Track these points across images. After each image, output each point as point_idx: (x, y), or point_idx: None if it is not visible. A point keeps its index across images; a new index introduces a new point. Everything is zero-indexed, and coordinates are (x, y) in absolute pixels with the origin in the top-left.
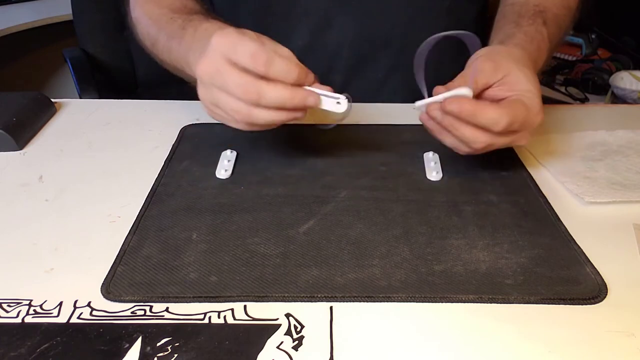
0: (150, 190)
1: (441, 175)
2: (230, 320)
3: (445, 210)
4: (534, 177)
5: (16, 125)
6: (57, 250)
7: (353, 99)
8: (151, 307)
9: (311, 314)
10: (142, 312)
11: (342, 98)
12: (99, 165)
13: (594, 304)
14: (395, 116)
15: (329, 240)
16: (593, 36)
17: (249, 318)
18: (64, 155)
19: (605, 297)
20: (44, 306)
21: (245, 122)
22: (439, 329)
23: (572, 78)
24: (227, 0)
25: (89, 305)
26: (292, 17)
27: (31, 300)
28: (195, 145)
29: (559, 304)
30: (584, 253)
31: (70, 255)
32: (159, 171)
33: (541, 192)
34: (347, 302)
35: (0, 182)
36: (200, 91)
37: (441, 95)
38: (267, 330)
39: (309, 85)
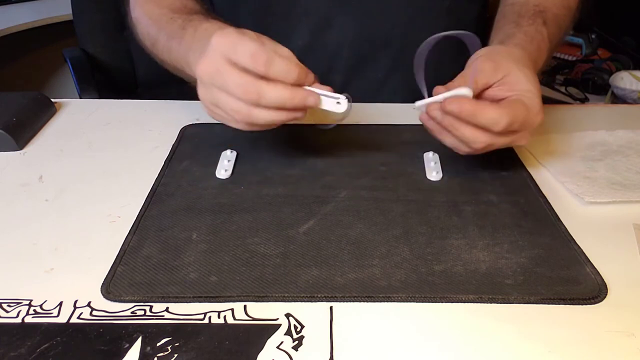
0: (150, 190)
1: (441, 175)
2: (230, 320)
3: (445, 210)
4: (534, 177)
5: (16, 125)
6: (57, 250)
7: (353, 99)
8: (151, 307)
9: (311, 314)
10: (142, 312)
11: (342, 98)
12: (99, 165)
13: (594, 304)
14: (395, 116)
15: (329, 240)
16: (593, 36)
17: (249, 318)
18: (64, 155)
19: (605, 297)
20: (44, 306)
21: (245, 122)
22: (439, 329)
23: (572, 78)
24: (227, 0)
25: (89, 305)
26: (292, 17)
27: (31, 300)
28: (195, 145)
29: (559, 304)
30: (584, 253)
31: (70, 255)
32: (159, 171)
33: (541, 192)
34: (347, 302)
35: (0, 182)
36: (200, 91)
37: (441, 95)
38: (267, 330)
39: (309, 85)
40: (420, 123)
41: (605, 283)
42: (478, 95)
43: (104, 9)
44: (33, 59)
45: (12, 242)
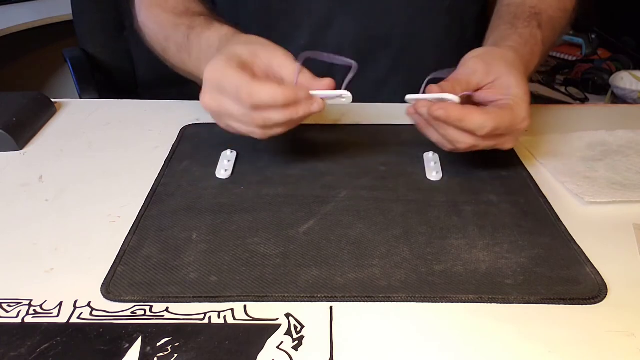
0: (150, 190)
1: (441, 175)
2: (230, 320)
3: (445, 210)
4: (534, 177)
5: (16, 125)
6: (57, 250)
7: (353, 99)
8: (151, 307)
9: (311, 314)
10: (142, 312)
11: (344, 93)
12: (99, 165)
13: (594, 304)
14: (395, 116)
15: (329, 240)
16: (593, 36)
17: (249, 318)
18: (64, 155)
19: (605, 297)
20: (44, 306)
21: (262, 137)
22: (439, 329)
23: (572, 78)
24: (228, 0)
25: (89, 305)
26: (293, 17)
27: (31, 300)
28: (195, 145)
29: (559, 304)
30: (584, 253)
31: (70, 255)
32: (159, 171)
33: (541, 192)
34: (347, 302)
35: (0, 182)
36: (214, 118)
37: (431, 95)
38: (267, 330)
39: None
40: None
41: (605, 283)
42: (468, 96)
43: (104, 9)
44: (33, 59)
45: (12, 242)
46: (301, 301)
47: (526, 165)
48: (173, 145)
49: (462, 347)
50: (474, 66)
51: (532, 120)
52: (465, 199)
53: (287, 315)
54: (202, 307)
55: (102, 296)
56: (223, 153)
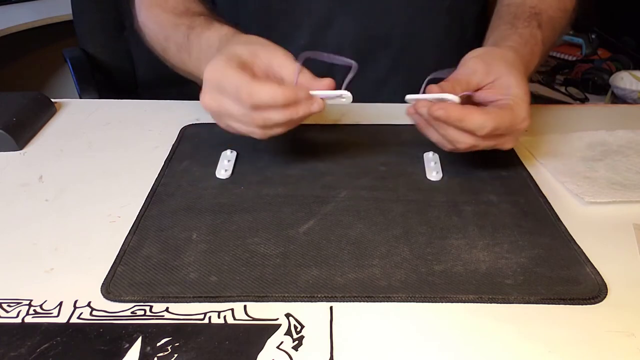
0: (150, 190)
1: (441, 175)
2: (230, 320)
3: (445, 210)
4: (534, 177)
5: (16, 125)
6: (57, 250)
7: (353, 99)
8: (151, 307)
9: (311, 314)
10: (142, 312)
11: (344, 93)
12: (99, 165)
13: (594, 304)
14: (395, 116)
15: (329, 240)
16: (593, 36)
17: (249, 318)
18: (64, 155)
19: (605, 297)
20: (44, 306)
21: (262, 138)
22: (439, 329)
23: (572, 78)
24: (228, 0)
25: (89, 305)
26: (293, 17)
27: (31, 300)
28: (195, 145)
29: (559, 304)
30: (584, 253)
31: (70, 255)
32: (159, 171)
33: (541, 192)
34: (347, 302)
35: (0, 182)
36: (214, 118)
37: (431, 95)
38: (267, 330)
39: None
40: None
41: (605, 283)
42: (469, 96)
43: (104, 9)
44: (33, 59)
45: (12, 242)
46: (301, 301)
47: (526, 165)
48: (173, 145)
49: (462, 347)
50: (474, 66)
51: (532, 120)
52: (465, 199)
53: (287, 315)
54: (202, 307)
55: (102, 296)
56: (223, 153)
